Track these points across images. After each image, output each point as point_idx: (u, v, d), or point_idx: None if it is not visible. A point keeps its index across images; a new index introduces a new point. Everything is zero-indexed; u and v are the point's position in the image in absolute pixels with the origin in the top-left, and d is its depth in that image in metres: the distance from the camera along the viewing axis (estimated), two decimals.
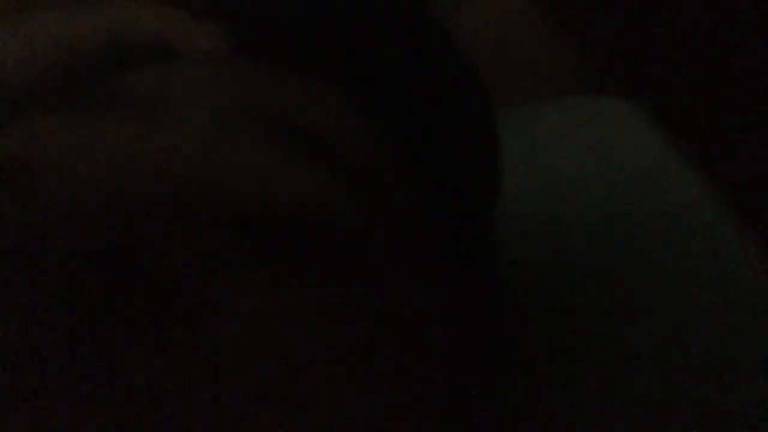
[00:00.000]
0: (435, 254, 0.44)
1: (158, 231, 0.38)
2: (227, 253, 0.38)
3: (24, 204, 0.38)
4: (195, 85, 0.42)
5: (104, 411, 0.35)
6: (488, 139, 0.50)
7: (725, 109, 0.44)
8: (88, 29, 0.43)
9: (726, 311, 0.50)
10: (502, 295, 0.51)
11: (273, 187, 0.40)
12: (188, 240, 0.38)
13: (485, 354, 0.49)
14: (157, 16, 0.44)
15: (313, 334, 0.38)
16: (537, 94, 0.67)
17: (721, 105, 0.44)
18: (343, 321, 0.39)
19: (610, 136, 0.59)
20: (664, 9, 0.45)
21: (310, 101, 0.43)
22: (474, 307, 0.47)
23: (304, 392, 0.37)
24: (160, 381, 0.36)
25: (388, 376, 0.40)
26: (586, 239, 0.54)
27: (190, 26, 0.43)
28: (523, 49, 0.72)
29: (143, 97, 0.42)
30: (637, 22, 0.45)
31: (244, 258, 0.39)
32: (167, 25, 0.44)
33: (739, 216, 0.45)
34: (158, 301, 0.37)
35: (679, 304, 0.51)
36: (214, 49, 0.43)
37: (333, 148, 0.42)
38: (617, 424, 0.48)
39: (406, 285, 0.42)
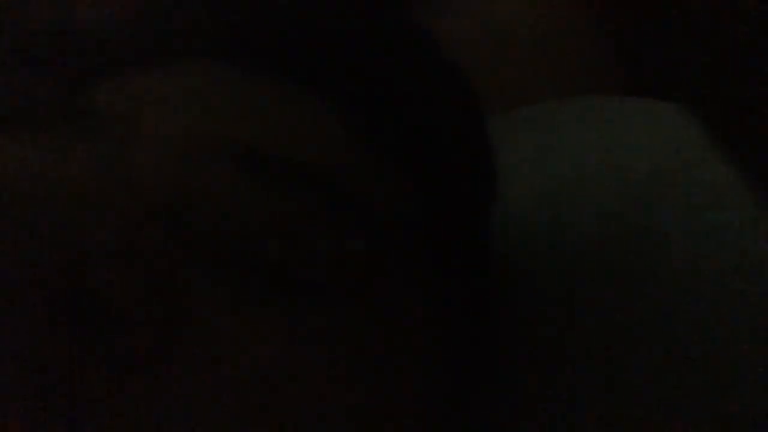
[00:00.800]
0: (429, 266, 0.44)
1: (122, 255, 0.38)
2: (195, 278, 0.38)
3: None
4: (163, 103, 0.41)
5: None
6: (480, 146, 0.49)
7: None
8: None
9: (738, 320, 0.50)
10: (503, 303, 0.51)
11: (239, 210, 0.39)
12: (155, 265, 0.38)
13: (483, 363, 0.49)
14: None
15: (299, 356, 0.38)
16: (538, 95, 0.67)
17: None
18: (329, 340, 0.39)
19: (615, 137, 0.58)
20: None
21: (287, 116, 0.42)
22: (472, 317, 0.47)
23: (292, 414, 0.38)
24: (131, 414, 0.36)
25: (380, 389, 0.40)
26: (593, 244, 0.53)
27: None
28: (522, 50, 0.71)
29: (109, 115, 0.41)
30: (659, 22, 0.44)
31: (212, 281, 0.38)
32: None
33: None
34: (128, 329, 0.36)
35: (686, 310, 0.50)
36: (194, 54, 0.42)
37: (308, 166, 0.41)
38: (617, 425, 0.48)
39: (398, 299, 0.42)
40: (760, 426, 0.47)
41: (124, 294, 0.36)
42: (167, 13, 0.44)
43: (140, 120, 0.41)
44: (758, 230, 0.52)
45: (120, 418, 0.36)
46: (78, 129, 0.40)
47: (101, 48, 0.43)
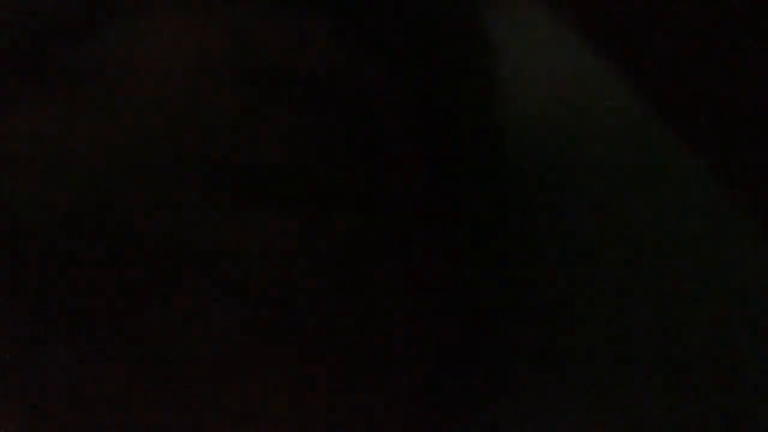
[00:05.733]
0: (436, 196, 0.44)
1: (137, 184, 0.38)
2: (215, 203, 0.39)
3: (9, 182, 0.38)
4: (155, 39, 0.42)
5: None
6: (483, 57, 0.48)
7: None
8: None
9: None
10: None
11: (239, 123, 0.40)
12: (170, 193, 0.39)
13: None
14: None
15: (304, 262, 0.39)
16: None
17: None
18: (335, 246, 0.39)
19: None
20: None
21: (287, 37, 0.42)
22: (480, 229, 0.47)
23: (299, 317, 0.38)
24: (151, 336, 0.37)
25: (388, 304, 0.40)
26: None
27: None
28: None
29: (103, 62, 0.41)
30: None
31: (232, 206, 0.39)
32: None
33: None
34: (142, 252, 0.37)
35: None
36: None
37: (310, 79, 0.41)
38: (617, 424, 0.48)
39: (404, 211, 0.42)
40: (760, 426, 0.46)
41: (138, 222, 0.37)
42: None
43: (133, 59, 0.41)
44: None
45: (141, 340, 0.37)
46: (78, 80, 0.41)
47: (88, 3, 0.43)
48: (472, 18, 0.48)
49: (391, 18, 0.45)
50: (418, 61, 0.45)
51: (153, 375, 0.36)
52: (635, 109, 0.53)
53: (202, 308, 0.37)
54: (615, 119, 0.54)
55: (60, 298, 0.36)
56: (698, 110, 0.51)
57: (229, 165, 0.39)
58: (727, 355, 0.48)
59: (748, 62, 0.50)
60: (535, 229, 0.51)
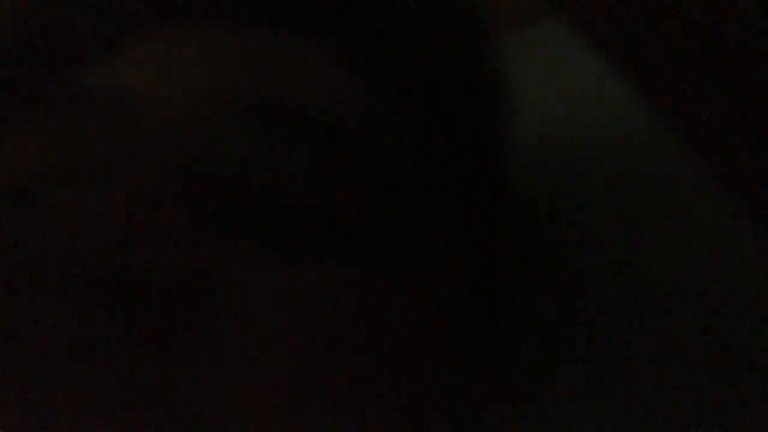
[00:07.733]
0: (445, 199, 0.44)
1: (155, 230, 0.38)
2: (230, 244, 0.39)
3: (24, 222, 0.38)
4: (167, 69, 0.41)
5: (113, 417, 0.35)
6: (484, 74, 0.48)
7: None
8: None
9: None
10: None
11: (255, 162, 0.40)
12: (186, 235, 0.38)
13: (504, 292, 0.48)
14: None
15: (323, 311, 0.39)
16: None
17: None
18: (350, 296, 0.39)
19: None
20: None
21: (290, 68, 0.43)
22: (492, 245, 0.47)
23: (322, 372, 0.38)
24: (169, 383, 0.36)
25: (402, 343, 0.40)
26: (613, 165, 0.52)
27: None
28: None
29: (116, 92, 0.41)
30: None
31: (246, 246, 0.39)
32: None
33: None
34: (163, 304, 0.37)
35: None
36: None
37: (314, 113, 0.41)
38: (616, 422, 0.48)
39: (414, 253, 0.42)
40: (760, 426, 0.47)
41: (159, 273, 0.37)
42: None
43: (146, 89, 0.41)
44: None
45: (169, 387, 0.36)
46: (86, 109, 0.41)
47: (98, 25, 0.43)
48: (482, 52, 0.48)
49: (404, 49, 0.45)
50: (430, 95, 0.45)
51: (168, 421, 0.36)
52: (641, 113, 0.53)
53: (221, 355, 0.37)
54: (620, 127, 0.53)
55: (81, 338, 0.36)
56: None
57: (244, 202, 0.39)
58: (727, 356, 0.48)
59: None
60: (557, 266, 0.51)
